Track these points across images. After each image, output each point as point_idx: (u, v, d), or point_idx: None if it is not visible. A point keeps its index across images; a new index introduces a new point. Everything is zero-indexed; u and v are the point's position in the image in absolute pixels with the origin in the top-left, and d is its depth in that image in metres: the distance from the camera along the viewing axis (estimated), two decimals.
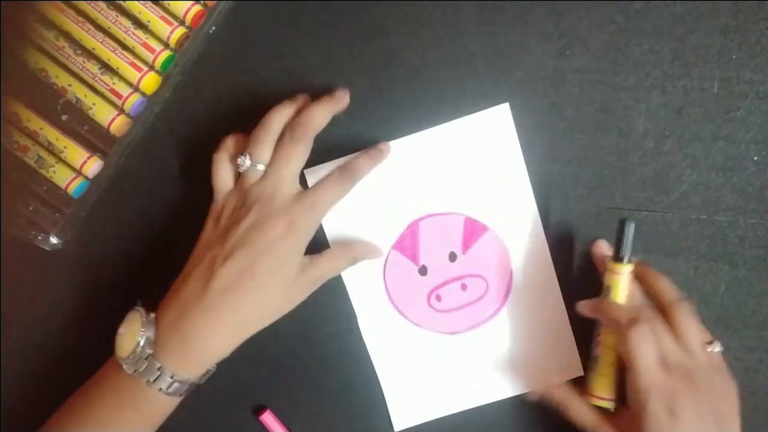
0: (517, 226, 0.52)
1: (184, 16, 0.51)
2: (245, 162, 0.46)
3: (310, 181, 0.51)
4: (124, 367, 0.43)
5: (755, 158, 0.51)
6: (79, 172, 0.52)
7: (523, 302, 0.52)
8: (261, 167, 0.46)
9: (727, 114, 0.51)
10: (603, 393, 0.47)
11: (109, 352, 0.51)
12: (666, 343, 0.44)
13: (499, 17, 0.51)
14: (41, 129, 0.52)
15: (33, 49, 0.51)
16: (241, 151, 0.47)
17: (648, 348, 0.43)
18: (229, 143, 0.49)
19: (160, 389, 0.43)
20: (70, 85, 0.51)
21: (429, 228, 0.52)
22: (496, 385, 0.53)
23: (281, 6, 0.52)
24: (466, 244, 0.52)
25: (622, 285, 0.47)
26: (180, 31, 0.51)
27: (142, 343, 0.43)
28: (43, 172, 0.52)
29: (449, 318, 0.53)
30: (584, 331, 0.51)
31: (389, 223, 0.53)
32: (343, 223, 0.52)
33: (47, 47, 0.51)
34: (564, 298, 0.52)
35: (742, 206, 0.51)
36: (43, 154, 0.52)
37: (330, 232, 0.52)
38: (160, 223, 0.54)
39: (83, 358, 0.54)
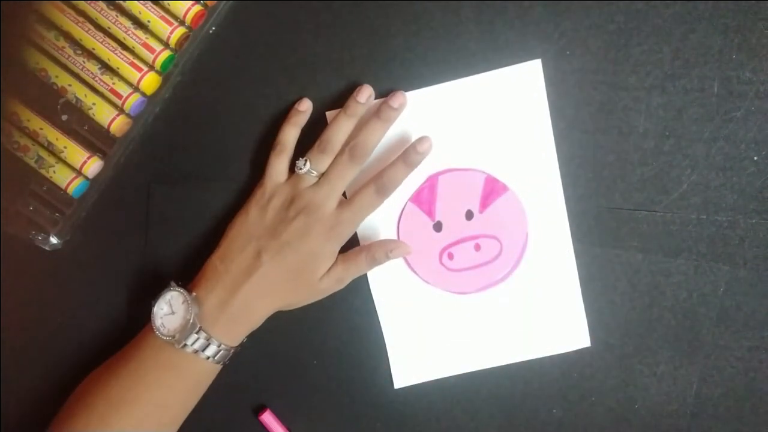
0: (537, 189, 0.52)
1: (184, 16, 0.51)
2: (304, 167, 0.50)
3: (330, 116, 0.52)
4: (173, 342, 0.48)
5: (755, 158, 0.51)
6: (79, 172, 0.52)
7: (536, 268, 0.52)
8: (315, 174, 0.50)
9: (727, 114, 0.51)
10: None
11: (110, 351, 0.51)
12: None
13: (499, 17, 0.51)
14: (41, 129, 0.52)
15: (33, 49, 0.51)
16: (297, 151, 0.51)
17: None
18: (291, 142, 0.51)
19: (208, 357, 0.48)
20: (70, 85, 0.51)
21: (448, 183, 0.52)
22: (500, 350, 0.53)
23: (281, 6, 0.52)
24: (484, 203, 0.52)
25: None
26: (180, 31, 0.51)
27: (192, 319, 0.47)
28: (43, 172, 0.52)
29: (459, 277, 0.53)
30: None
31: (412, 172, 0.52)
32: (362, 170, 0.52)
33: (47, 47, 0.51)
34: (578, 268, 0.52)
35: (742, 206, 0.51)
36: (43, 154, 0.52)
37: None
38: (160, 224, 0.54)
39: (84, 357, 0.55)
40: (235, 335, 0.49)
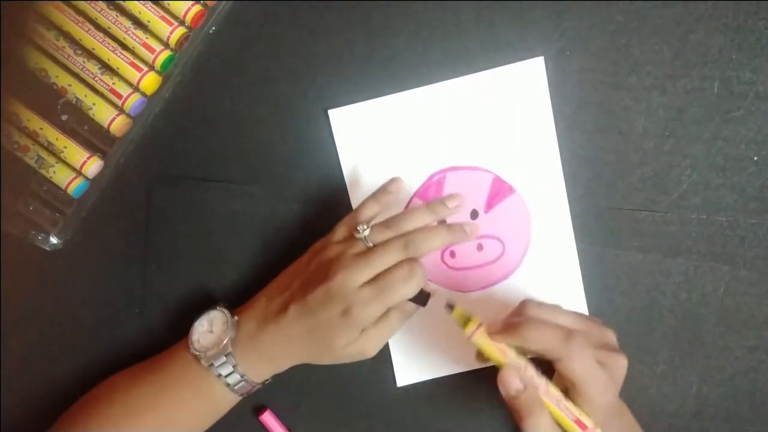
0: (542, 191, 0.52)
1: (184, 16, 0.51)
2: (362, 232, 0.47)
3: (333, 121, 0.52)
4: (201, 358, 0.47)
5: (755, 158, 0.51)
6: (79, 172, 0.52)
7: (538, 270, 0.52)
8: (370, 245, 0.47)
9: (727, 114, 0.51)
10: None
11: (109, 351, 0.51)
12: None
13: (499, 17, 0.51)
14: (41, 129, 0.52)
15: (33, 49, 0.51)
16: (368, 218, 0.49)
17: (592, 361, 0.42)
18: (368, 217, 0.49)
19: (228, 384, 0.48)
20: (70, 85, 0.51)
21: (456, 181, 0.52)
22: None
23: (281, 6, 0.52)
24: (490, 203, 0.52)
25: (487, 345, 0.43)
26: (180, 31, 0.51)
27: (226, 341, 0.47)
28: (43, 172, 0.52)
29: (461, 276, 0.53)
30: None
31: (415, 169, 0.52)
32: (367, 165, 0.52)
33: (47, 47, 0.51)
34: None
35: (742, 206, 0.51)
36: (43, 154, 0.52)
37: (348, 173, 0.53)
38: (160, 224, 0.54)
39: (83, 357, 0.55)
40: (259, 371, 0.49)
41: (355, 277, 0.45)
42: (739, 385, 0.52)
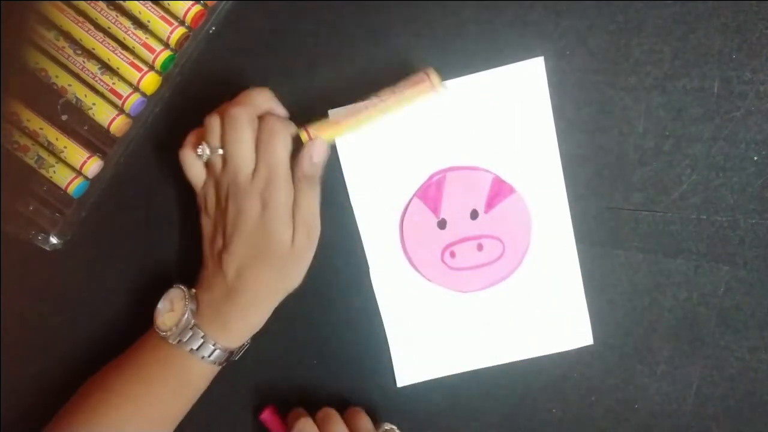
0: (542, 191, 0.52)
1: (184, 16, 0.51)
2: (205, 151, 0.47)
3: (332, 114, 0.52)
4: (169, 337, 0.47)
5: (755, 158, 0.51)
6: (79, 172, 0.52)
7: (538, 270, 0.52)
8: (221, 152, 0.47)
9: (727, 114, 0.51)
10: None
11: (109, 351, 0.51)
12: None
13: (499, 17, 0.51)
14: (41, 129, 0.52)
15: (33, 49, 0.51)
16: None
17: None
18: (191, 138, 0.49)
19: (203, 357, 0.48)
20: (70, 85, 0.51)
21: (456, 181, 0.52)
22: (504, 348, 0.53)
23: (281, 6, 0.52)
24: (490, 203, 0.52)
25: None
26: (180, 31, 0.51)
27: (187, 315, 0.47)
28: (43, 172, 0.52)
29: (461, 276, 0.53)
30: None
31: (415, 168, 0.52)
32: (367, 165, 0.52)
33: (47, 47, 0.51)
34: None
35: (742, 206, 0.51)
36: (43, 154, 0.52)
37: (348, 174, 0.53)
38: (160, 224, 0.54)
39: (83, 357, 0.55)
40: (230, 336, 0.48)
41: (240, 173, 0.46)
42: (739, 385, 0.52)
